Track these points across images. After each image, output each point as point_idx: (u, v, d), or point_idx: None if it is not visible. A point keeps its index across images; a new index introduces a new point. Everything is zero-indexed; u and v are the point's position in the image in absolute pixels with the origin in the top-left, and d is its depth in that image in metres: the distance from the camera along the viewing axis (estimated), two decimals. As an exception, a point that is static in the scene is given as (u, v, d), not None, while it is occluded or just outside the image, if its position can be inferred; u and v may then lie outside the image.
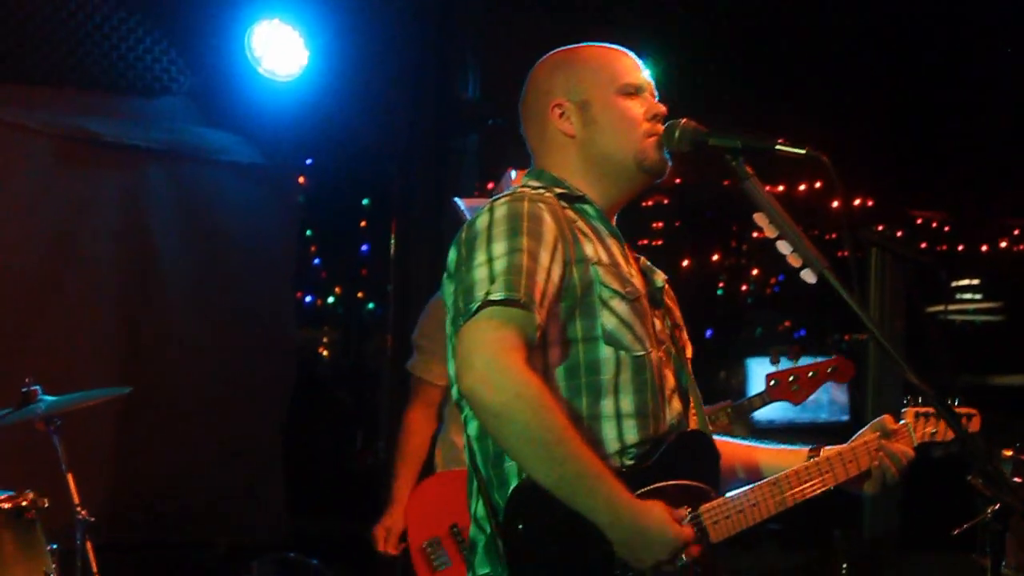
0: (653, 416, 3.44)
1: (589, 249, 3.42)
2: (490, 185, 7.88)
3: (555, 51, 3.72)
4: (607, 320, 3.38)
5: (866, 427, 3.78)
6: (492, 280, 3.22)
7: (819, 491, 3.62)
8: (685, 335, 3.72)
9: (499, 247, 3.28)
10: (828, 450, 3.69)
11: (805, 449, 3.75)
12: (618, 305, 3.40)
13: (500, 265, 3.24)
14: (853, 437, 3.76)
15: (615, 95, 3.58)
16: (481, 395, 3.16)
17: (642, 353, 3.42)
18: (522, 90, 3.72)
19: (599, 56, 3.65)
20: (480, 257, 3.28)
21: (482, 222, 3.36)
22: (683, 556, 3.29)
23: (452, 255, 3.41)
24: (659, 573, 3.28)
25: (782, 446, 3.89)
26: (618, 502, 3.22)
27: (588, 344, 3.38)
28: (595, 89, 3.59)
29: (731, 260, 12.69)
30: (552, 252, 3.32)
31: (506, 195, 3.43)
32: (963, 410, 3.95)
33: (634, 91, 3.59)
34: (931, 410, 3.85)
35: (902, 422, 3.84)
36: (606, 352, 3.38)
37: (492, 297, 3.19)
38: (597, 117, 3.57)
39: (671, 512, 3.30)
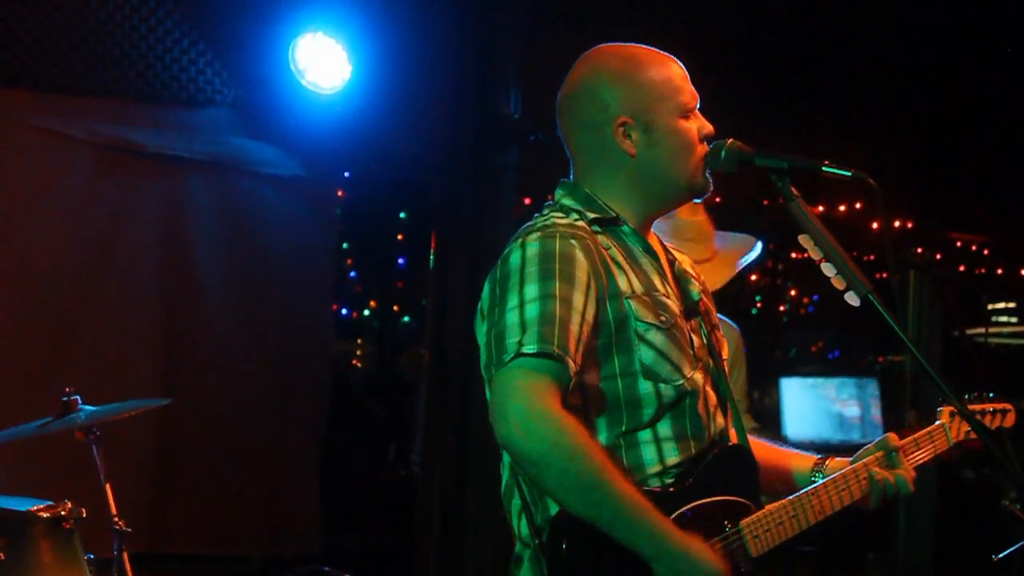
0: (694, 437, 3.44)
1: (623, 282, 3.40)
2: (527, 200, 7.89)
3: (608, 51, 3.62)
4: (644, 354, 3.37)
5: (873, 445, 3.75)
6: (524, 329, 3.21)
7: (853, 499, 3.62)
8: (720, 333, 3.72)
9: (531, 290, 3.26)
10: (838, 463, 3.70)
11: (813, 456, 3.78)
12: (655, 337, 3.39)
13: (532, 312, 3.23)
14: (856, 454, 3.74)
15: (679, 117, 3.54)
16: (517, 444, 3.15)
17: (681, 381, 3.41)
18: (570, 89, 3.63)
19: (661, 67, 3.59)
20: (512, 300, 3.27)
21: (514, 260, 3.34)
22: None
23: (486, 292, 3.40)
24: None
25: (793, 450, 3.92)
26: (662, 537, 3.23)
27: (626, 379, 3.38)
28: (661, 110, 3.54)
29: (767, 280, 12.70)
30: (585, 292, 3.30)
31: (537, 229, 3.40)
32: (998, 405, 3.94)
33: (691, 111, 3.57)
34: (972, 408, 3.87)
35: (937, 422, 3.82)
36: (646, 387, 3.38)
37: (525, 350, 3.18)
38: (661, 140, 3.52)
39: (712, 550, 3.30)
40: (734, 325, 5.54)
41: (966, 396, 3.91)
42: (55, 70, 7.12)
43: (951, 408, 3.86)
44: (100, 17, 7.20)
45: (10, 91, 7.04)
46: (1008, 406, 4.01)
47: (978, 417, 3.91)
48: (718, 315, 5.25)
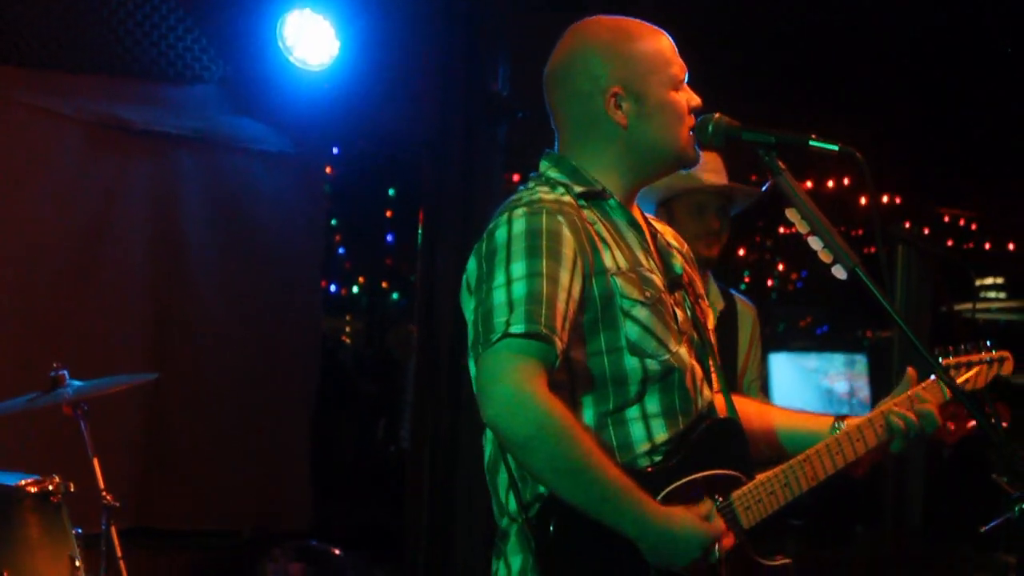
0: (682, 412, 3.44)
1: (608, 259, 3.39)
2: (516, 177, 7.89)
3: (599, 22, 3.60)
4: (630, 330, 3.37)
5: (897, 388, 3.78)
6: (511, 308, 3.20)
7: (851, 461, 3.62)
8: (705, 303, 3.72)
9: (518, 268, 3.25)
10: (852, 420, 3.70)
11: (830, 417, 3.76)
12: (640, 313, 3.39)
13: (519, 290, 3.22)
14: (880, 402, 3.76)
15: (669, 89, 3.53)
16: (504, 427, 3.16)
17: (667, 356, 3.41)
18: (559, 60, 3.61)
19: (651, 39, 3.58)
20: (499, 278, 3.26)
21: (501, 236, 3.33)
22: (716, 551, 3.29)
23: (472, 267, 3.40)
24: (695, 571, 3.29)
25: (804, 411, 3.93)
26: (645, 516, 3.24)
27: (612, 356, 3.37)
28: (652, 82, 3.53)
29: (756, 255, 12.70)
30: (572, 270, 3.29)
31: (523, 204, 3.39)
32: (995, 354, 3.94)
33: (681, 83, 3.56)
34: (962, 359, 3.87)
35: (932, 377, 3.79)
36: (632, 363, 3.38)
37: (512, 330, 3.17)
38: (652, 112, 3.51)
39: (695, 511, 3.31)
40: (751, 303, 5.53)
41: (962, 347, 3.90)
42: (44, 47, 7.11)
43: (947, 361, 3.87)
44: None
45: (1, 68, 7.03)
46: (1006, 354, 4.00)
47: (976, 365, 3.91)
48: (734, 292, 5.25)
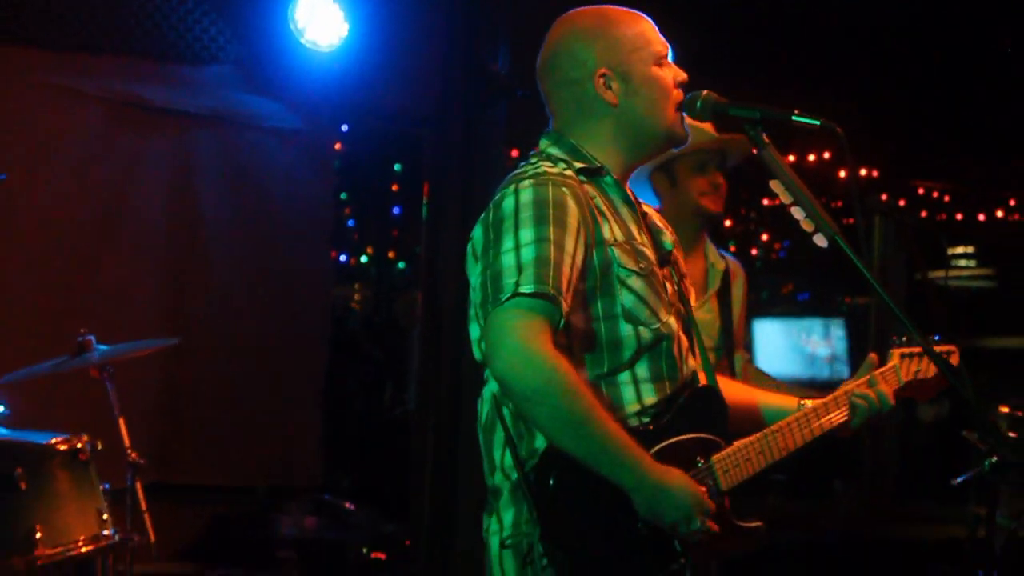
0: (669, 378, 3.47)
1: (607, 231, 3.42)
2: (514, 153, 7.89)
3: (580, 13, 3.64)
4: (626, 298, 3.40)
5: (859, 371, 3.84)
6: (520, 270, 3.22)
7: (817, 435, 3.67)
8: (688, 282, 3.74)
9: (526, 234, 3.27)
10: (816, 400, 3.73)
11: (795, 398, 3.80)
12: (635, 282, 3.41)
13: (528, 254, 3.24)
14: (844, 382, 3.81)
15: (652, 65, 3.56)
16: (512, 381, 3.18)
17: (658, 325, 3.43)
18: (549, 52, 3.64)
19: (633, 24, 3.61)
20: (508, 243, 3.28)
21: (508, 205, 3.35)
22: (698, 518, 3.31)
23: (478, 235, 3.41)
24: (675, 530, 3.32)
25: (777, 392, 3.97)
26: (642, 469, 3.26)
27: (608, 322, 3.39)
28: (636, 61, 3.55)
29: (741, 226, 12.70)
30: (576, 238, 3.31)
31: (529, 176, 3.41)
32: (943, 347, 3.97)
33: (664, 59, 3.59)
34: (916, 350, 3.87)
35: (890, 363, 3.86)
36: (626, 329, 3.40)
37: (522, 290, 3.19)
38: (639, 88, 3.54)
39: (691, 478, 3.34)
40: (740, 265, 5.53)
41: (904, 339, 3.94)
42: (67, 29, 7.10)
43: (901, 350, 3.90)
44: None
45: (26, 50, 7.03)
46: (952, 347, 4.03)
47: (924, 354, 3.94)
48: (723, 253, 5.26)
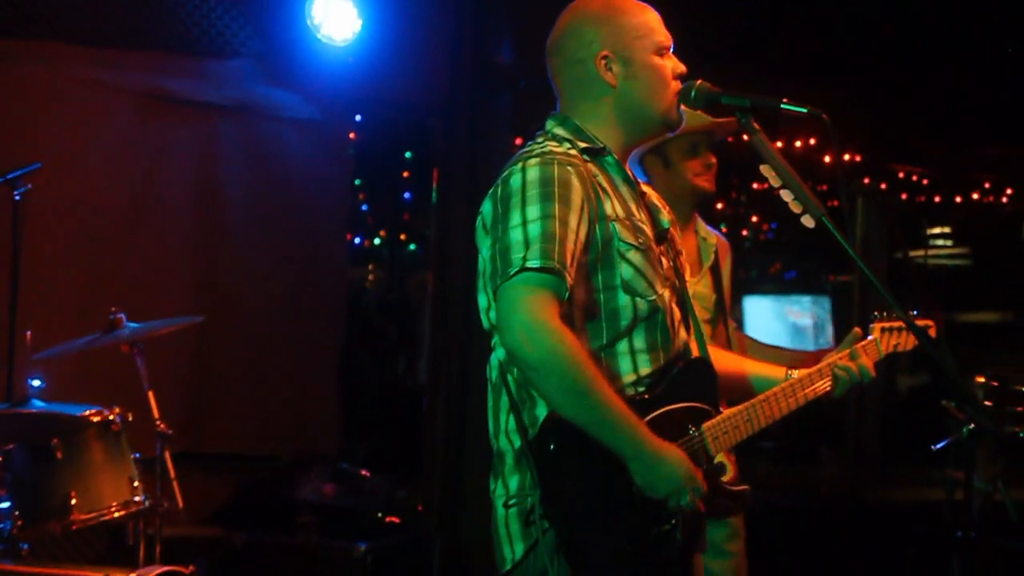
0: (663, 349, 3.47)
1: (608, 207, 3.42)
2: (518, 140, 7.88)
3: (590, 0, 3.68)
4: (624, 271, 3.40)
5: (842, 344, 3.84)
6: (527, 245, 3.23)
7: (802, 404, 3.69)
8: (683, 259, 3.74)
9: (533, 211, 3.28)
10: (803, 370, 3.75)
11: (783, 368, 3.81)
12: (634, 256, 3.42)
13: (534, 230, 3.25)
14: (828, 354, 3.82)
15: (653, 54, 3.57)
16: (521, 352, 3.18)
17: (654, 297, 3.44)
18: (557, 33, 3.65)
19: (638, 12, 3.62)
20: (515, 219, 3.28)
21: (516, 182, 3.35)
22: (688, 495, 3.32)
23: (487, 209, 3.41)
24: (667, 502, 3.33)
25: (766, 361, 3.97)
26: (640, 440, 3.28)
27: (608, 293, 3.40)
28: (638, 47, 3.56)
29: (731, 209, 12.68)
30: (579, 214, 3.32)
31: (536, 155, 3.41)
32: (922, 322, 3.97)
33: (665, 50, 3.60)
34: (896, 324, 3.90)
35: (870, 337, 3.87)
36: (624, 300, 3.40)
37: (529, 264, 3.20)
38: (638, 73, 3.55)
39: (686, 456, 3.35)
40: (726, 240, 5.51)
41: (884, 314, 3.94)
42: (100, 27, 7.10)
43: (882, 324, 3.91)
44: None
45: (62, 46, 7.02)
46: (930, 322, 4.04)
47: (906, 330, 3.95)
48: (711, 228, 5.25)
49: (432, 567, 7.13)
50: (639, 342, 3.43)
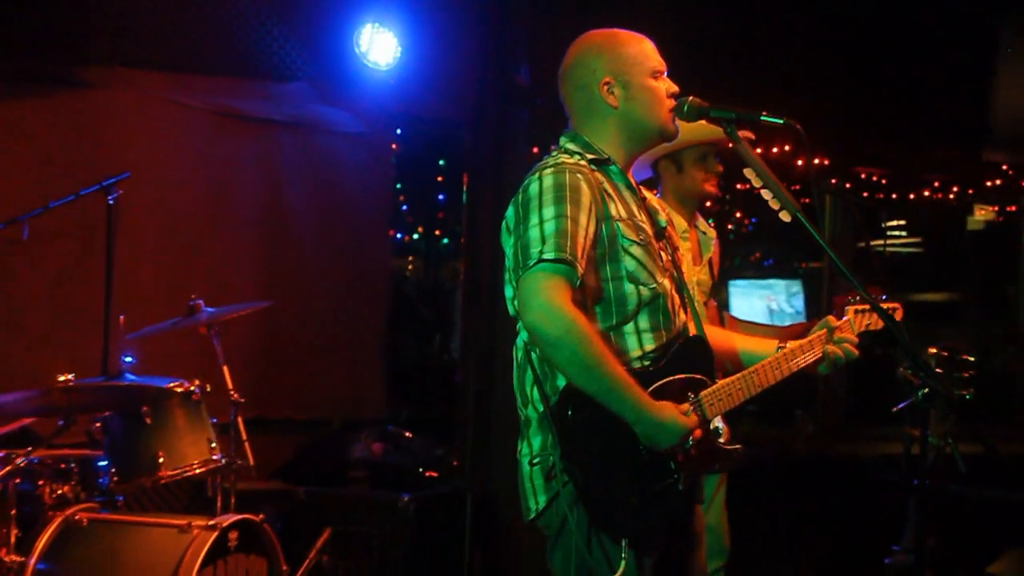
0: (664, 329, 3.49)
1: (613, 208, 3.44)
2: (535, 149, 7.87)
3: (594, 32, 3.69)
4: (628, 263, 3.42)
5: (817, 325, 3.80)
6: (544, 240, 3.25)
7: (788, 375, 3.67)
8: (680, 254, 3.76)
9: (548, 211, 3.30)
10: (792, 343, 3.72)
11: (774, 342, 3.78)
12: (636, 250, 3.44)
13: (549, 228, 3.27)
14: (810, 332, 3.79)
15: (648, 77, 3.59)
16: (539, 330, 3.20)
17: (655, 285, 3.46)
18: (567, 63, 3.66)
19: (635, 43, 3.64)
20: (533, 219, 3.31)
21: (534, 189, 3.37)
22: (690, 439, 3.34)
23: (511, 212, 3.44)
24: (673, 450, 3.36)
25: (756, 336, 3.96)
26: (641, 406, 3.29)
27: (616, 282, 3.42)
28: (635, 72, 3.59)
29: (718, 206, 12.65)
30: (588, 214, 3.34)
31: (551, 166, 3.43)
32: (889, 304, 3.96)
33: (659, 74, 3.62)
34: (866, 307, 3.86)
35: (844, 318, 3.85)
36: (629, 288, 3.43)
37: (545, 256, 3.23)
38: (636, 95, 3.58)
39: (679, 408, 3.36)
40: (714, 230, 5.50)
41: (856, 298, 3.92)
42: (178, 55, 7.11)
43: (855, 307, 3.89)
44: (212, 13, 7.20)
45: (147, 72, 7.02)
46: (897, 305, 4.02)
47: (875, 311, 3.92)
48: (707, 222, 5.25)
49: (465, 515, 7.13)
50: (644, 323, 3.45)
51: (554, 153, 3.58)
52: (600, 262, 3.41)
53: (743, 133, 4.24)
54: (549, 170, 3.41)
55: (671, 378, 3.43)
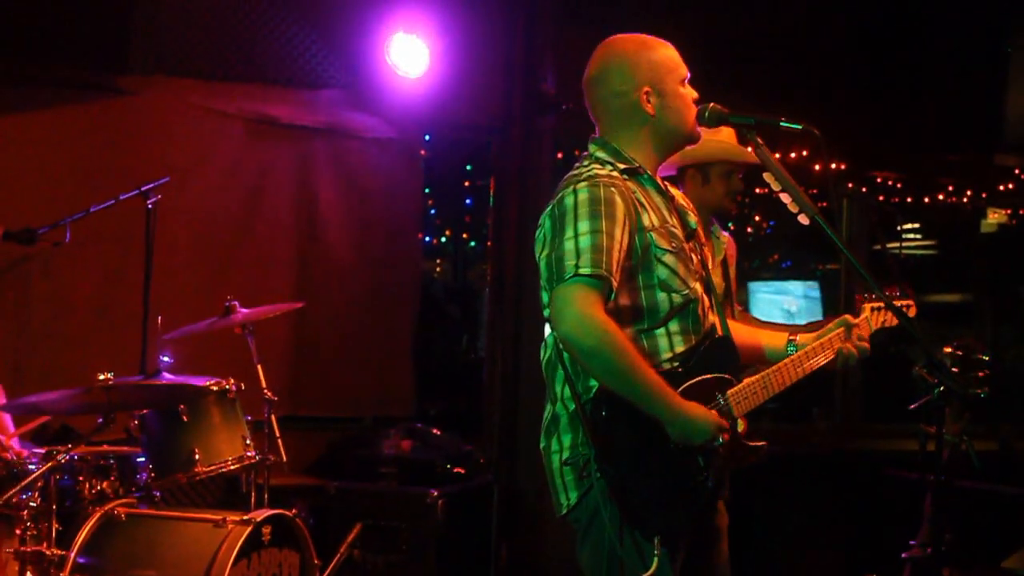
0: (694, 332, 3.51)
1: (646, 218, 3.43)
2: (560, 155, 7.86)
3: (622, 38, 3.64)
4: (661, 272, 3.43)
5: (834, 323, 3.78)
6: (579, 255, 3.25)
7: (807, 373, 3.67)
8: (708, 250, 3.75)
9: (583, 226, 3.29)
10: (807, 338, 3.71)
11: (785, 334, 3.80)
12: (668, 259, 3.44)
13: (585, 242, 3.27)
14: (825, 329, 3.78)
15: (679, 84, 3.57)
16: (574, 340, 3.21)
17: (687, 291, 3.46)
18: (596, 69, 3.61)
19: (664, 49, 3.62)
20: (569, 232, 3.30)
21: (569, 202, 3.37)
22: (720, 438, 3.36)
23: (547, 223, 3.43)
24: (703, 447, 3.37)
25: (774, 332, 3.94)
26: (674, 407, 3.31)
27: (648, 290, 3.42)
28: (669, 80, 3.58)
29: (737, 209, 12.58)
30: (622, 228, 3.34)
31: (585, 179, 3.41)
32: (903, 302, 3.94)
33: (686, 80, 3.60)
34: (881, 304, 3.85)
35: (861, 316, 3.84)
36: (661, 296, 3.43)
37: (581, 271, 3.23)
38: (670, 103, 3.57)
39: (708, 409, 3.37)
40: (730, 236, 5.47)
41: (872, 296, 3.89)
42: (214, 63, 7.14)
43: (871, 305, 3.88)
44: (248, 23, 7.23)
45: (184, 80, 7.06)
46: (911, 302, 4.01)
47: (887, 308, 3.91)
48: (721, 229, 5.25)
49: (492, 509, 7.12)
50: (674, 327, 3.47)
51: (585, 163, 3.55)
52: (633, 272, 3.41)
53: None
54: (584, 183, 3.40)
55: (700, 378, 3.45)
